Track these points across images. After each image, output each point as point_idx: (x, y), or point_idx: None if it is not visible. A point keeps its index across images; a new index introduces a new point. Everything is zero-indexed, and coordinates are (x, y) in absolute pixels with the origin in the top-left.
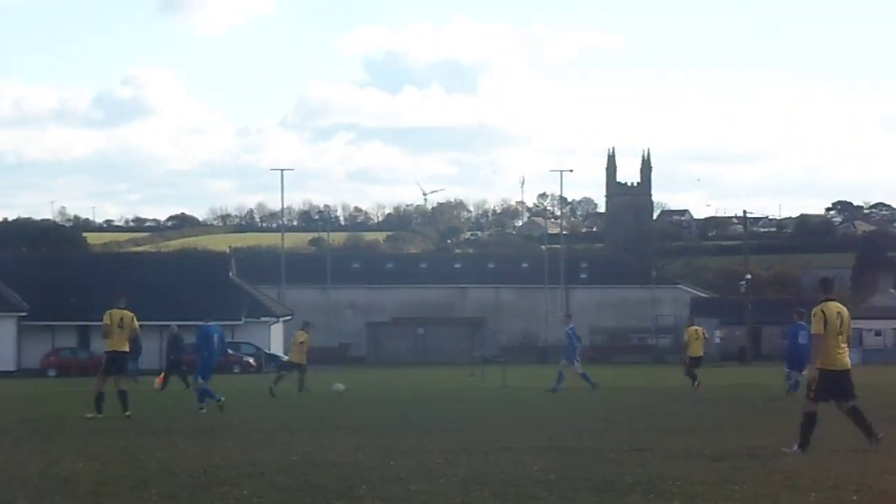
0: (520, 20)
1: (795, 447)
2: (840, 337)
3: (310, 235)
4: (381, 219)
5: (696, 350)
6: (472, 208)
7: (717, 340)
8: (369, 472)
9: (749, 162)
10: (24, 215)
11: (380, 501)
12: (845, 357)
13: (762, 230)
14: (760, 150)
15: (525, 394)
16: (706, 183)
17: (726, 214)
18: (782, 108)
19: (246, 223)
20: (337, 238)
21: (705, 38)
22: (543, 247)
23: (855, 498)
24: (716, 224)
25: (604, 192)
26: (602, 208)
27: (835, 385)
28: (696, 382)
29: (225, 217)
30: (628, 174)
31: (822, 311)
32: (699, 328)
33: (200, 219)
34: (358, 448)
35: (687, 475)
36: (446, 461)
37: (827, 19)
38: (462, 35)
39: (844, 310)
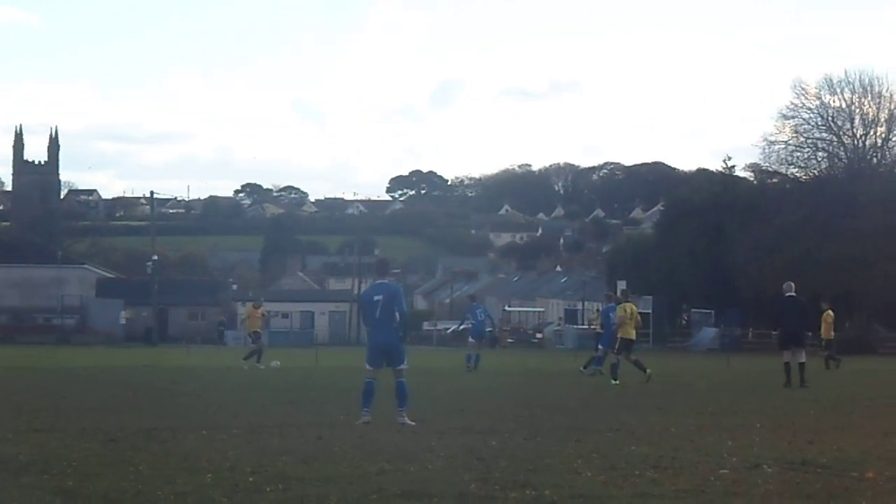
0: None
1: None
2: None
3: None
4: None
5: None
6: None
7: (123, 321)
8: None
9: (160, 142)
10: None
11: None
12: None
13: (171, 211)
14: (172, 131)
15: None
16: (117, 162)
17: (135, 195)
18: (194, 88)
19: None
20: None
21: (128, 23)
22: None
23: (251, 479)
24: (124, 204)
25: (10, 170)
26: (9, 186)
27: None
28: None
29: None
30: (36, 152)
31: None
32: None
33: None
34: None
35: (83, 455)
36: None
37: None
38: None
39: None
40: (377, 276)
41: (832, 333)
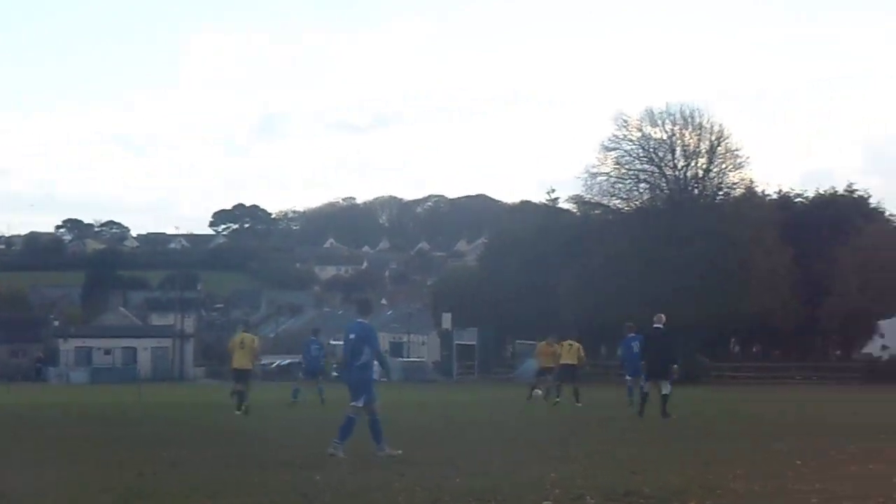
0: None
1: None
2: None
3: None
4: None
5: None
6: None
7: None
8: None
9: None
10: None
11: None
12: None
13: None
14: None
15: None
16: None
17: None
18: (13, 123)
19: None
20: None
21: None
22: None
23: None
24: None
25: None
26: None
27: None
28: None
29: None
30: None
31: None
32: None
33: None
34: None
35: None
36: None
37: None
38: None
39: None
40: (357, 314)
41: (552, 365)
